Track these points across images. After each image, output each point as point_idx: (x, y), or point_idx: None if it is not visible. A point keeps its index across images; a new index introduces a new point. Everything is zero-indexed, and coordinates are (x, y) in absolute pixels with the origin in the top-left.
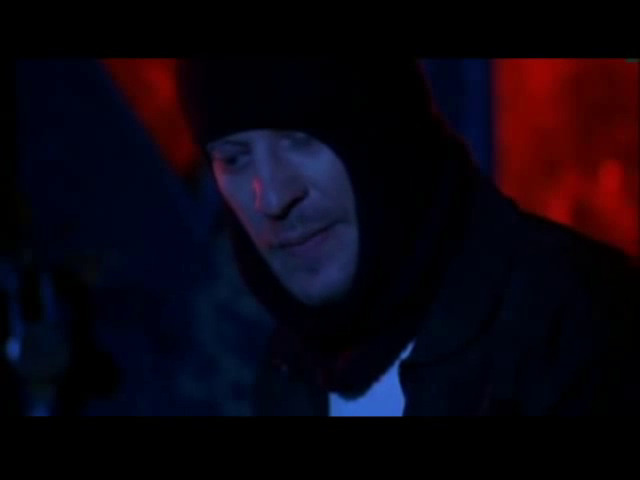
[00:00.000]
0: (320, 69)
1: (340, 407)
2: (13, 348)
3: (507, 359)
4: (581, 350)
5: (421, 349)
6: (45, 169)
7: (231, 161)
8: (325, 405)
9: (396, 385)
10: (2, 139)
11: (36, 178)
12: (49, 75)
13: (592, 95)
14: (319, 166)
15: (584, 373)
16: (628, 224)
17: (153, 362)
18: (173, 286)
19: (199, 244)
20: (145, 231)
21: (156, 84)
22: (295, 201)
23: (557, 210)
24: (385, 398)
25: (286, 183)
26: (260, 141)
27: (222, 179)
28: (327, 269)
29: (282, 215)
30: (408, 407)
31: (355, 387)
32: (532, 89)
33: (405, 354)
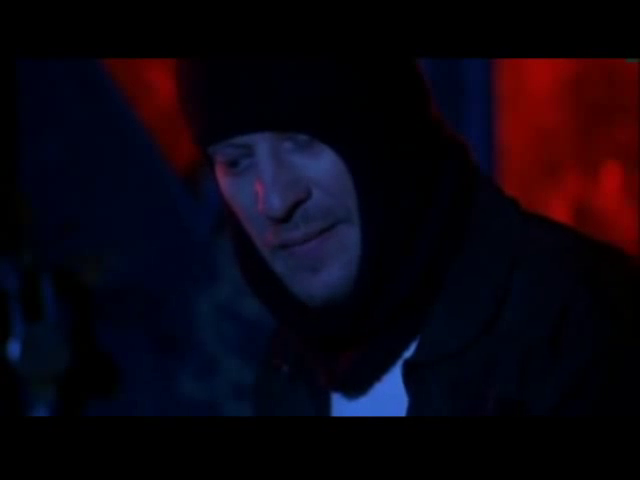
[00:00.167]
0: (320, 70)
1: (342, 407)
2: (13, 348)
3: (510, 359)
4: (583, 350)
5: (424, 349)
6: (45, 169)
7: (233, 164)
8: (327, 405)
9: (398, 385)
10: (2, 139)
11: (36, 178)
12: (49, 75)
13: (592, 95)
14: (321, 167)
15: (586, 373)
16: (628, 224)
17: (153, 362)
18: (174, 286)
19: (199, 244)
20: (145, 231)
21: (156, 84)
22: (298, 203)
23: (557, 210)
24: (387, 398)
25: (289, 185)
26: (262, 143)
27: (224, 182)
28: (329, 269)
29: (285, 218)
30: (411, 407)
31: (357, 387)
32: (532, 89)
33: (408, 354)
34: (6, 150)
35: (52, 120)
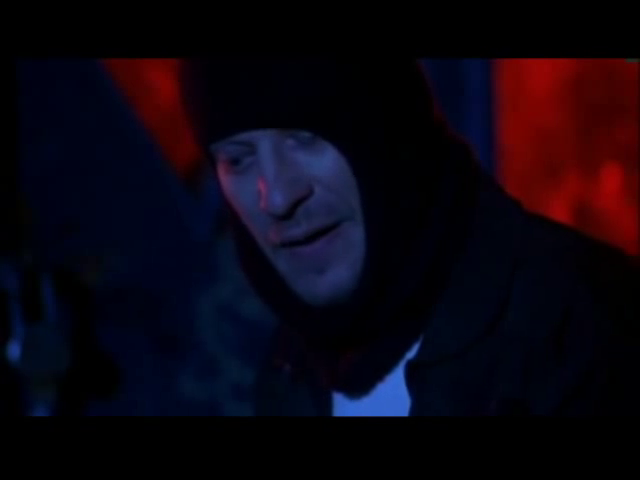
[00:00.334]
0: (322, 68)
1: (344, 407)
2: (13, 348)
3: (513, 359)
4: (586, 349)
5: (427, 349)
6: (45, 169)
7: (235, 162)
8: (329, 405)
9: (401, 385)
10: (2, 139)
11: (36, 178)
12: (49, 75)
13: (592, 95)
14: (324, 164)
15: (589, 373)
16: (628, 224)
17: (153, 362)
18: (174, 286)
19: (200, 244)
20: (146, 231)
21: (156, 84)
22: (300, 200)
23: (558, 210)
24: (389, 398)
25: (291, 183)
26: (264, 141)
27: (226, 180)
28: (335, 269)
29: (288, 215)
30: (414, 407)
31: (359, 387)
32: (532, 89)
33: (410, 354)
34: (6, 150)
35: (52, 120)
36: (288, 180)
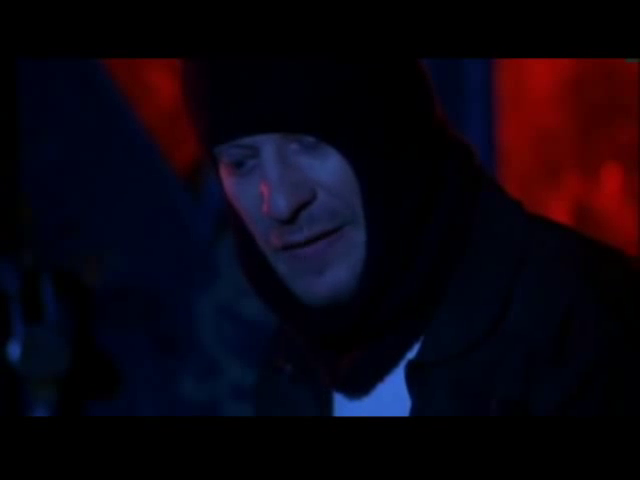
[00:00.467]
0: (325, 73)
1: (344, 407)
2: (14, 349)
3: (515, 359)
4: (589, 350)
5: (428, 349)
6: (45, 169)
7: (238, 164)
8: (329, 405)
9: (401, 386)
10: (2, 139)
11: (36, 178)
12: (49, 75)
13: (592, 96)
14: (327, 169)
15: (591, 373)
16: (629, 225)
17: (154, 363)
18: (174, 287)
19: (200, 245)
20: (146, 232)
21: (156, 84)
22: (303, 205)
23: (558, 211)
24: (390, 399)
25: (294, 187)
26: (268, 145)
27: (228, 182)
28: (334, 270)
29: (291, 219)
30: (414, 407)
31: (359, 387)
32: (533, 90)
33: (411, 355)
34: (6, 150)
35: (52, 120)
36: (291, 184)
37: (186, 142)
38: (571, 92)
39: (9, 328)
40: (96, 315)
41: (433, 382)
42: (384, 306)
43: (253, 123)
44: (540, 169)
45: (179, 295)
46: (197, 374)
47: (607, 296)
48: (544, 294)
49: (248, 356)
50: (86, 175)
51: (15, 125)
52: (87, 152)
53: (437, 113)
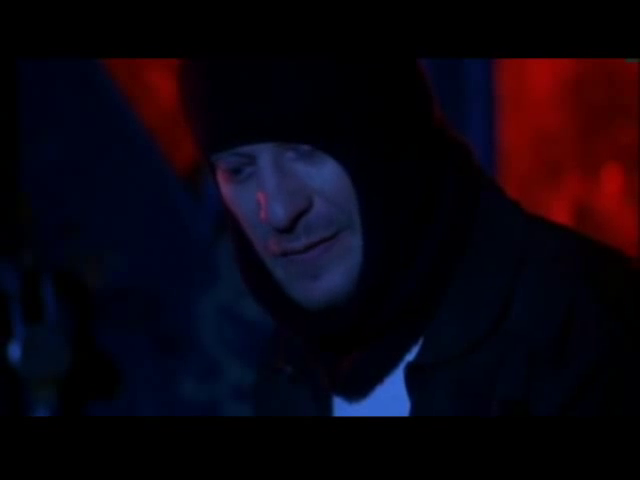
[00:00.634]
0: (321, 81)
1: (344, 409)
2: (14, 349)
3: (516, 360)
4: (590, 351)
5: (427, 351)
6: (45, 169)
7: (236, 171)
8: (329, 407)
9: (400, 388)
10: (2, 139)
11: (36, 178)
12: (49, 75)
13: (593, 96)
14: (324, 176)
15: (593, 374)
16: (629, 225)
17: (154, 364)
18: (174, 288)
19: (201, 245)
20: (146, 232)
21: (156, 84)
22: (301, 213)
23: (558, 211)
24: (389, 401)
25: (291, 195)
26: (265, 153)
27: (226, 188)
28: (330, 275)
29: (289, 228)
30: (413, 409)
31: (358, 389)
32: (533, 90)
33: (410, 356)
34: (6, 150)
35: (52, 120)
36: (288, 193)
37: (186, 142)
38: (571, 93)
39: (9, 328)
40: (96, 315)
41: (433, 383)
42: (384, 307)
43: (250, 132)
44: (540, 169)
45: (179, 295)
46: (197, 374)
47: (608, 296)
48: (545, 294)
49: (248, 357)
50: (86, 175)
51: (15, 125)
52: (87, 152)
53: (436, 113)
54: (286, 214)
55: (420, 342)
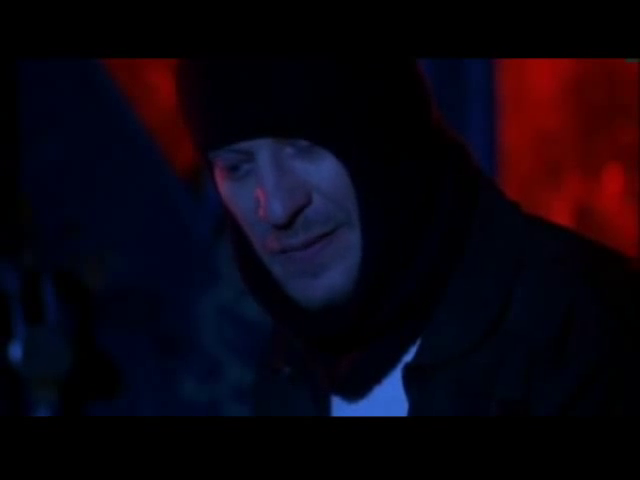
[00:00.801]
0: (320, 77)
1: (342, 409)
2: (15, 350)
3: (516, 360)
4: (590, 351)
5: (426, 351)
6: (45, 169)
7: (233, 168)
8: (327, 407)
9: (400, 388)
10: (2, 139)
11: (37, 179)
12: (49, 75)
13: (593, 97)
14: (323, 172)
15: (592, 374)
16: (629, 225)
17: (155, 364)
18: (175, 288)
19: (201, 246)
20: (147, 232)
21: (156, 84)
22: (299, 209)
23: (559, 212)
24: (387, 401)
25: (290, 191)
26: (263, 150)
27: (224, 185)
28: (329, 273)
29: (288, 224)
30: (412, 410)
31: (356, 390)
32: (534, 91)
33: (409, 357)
34: (6, 150)
35: (52, 120)
36: (287, 190)
37: (186, 142)
38: (572, 93)
39: (10, 329)
40: (97, 315)
41: (432, 383)
42: (383, 307)
43: (248, 129)
44: (541, 170)
45: (179, 295)
46: (198, 375)
47: (607, 296)
48: (544, 294)
49: (249, 357)
50: (86, 175)
51: (15, 125)
52: (87, 152)
53: (434, 114)
54: (285, 211)
55: (419, 342)
